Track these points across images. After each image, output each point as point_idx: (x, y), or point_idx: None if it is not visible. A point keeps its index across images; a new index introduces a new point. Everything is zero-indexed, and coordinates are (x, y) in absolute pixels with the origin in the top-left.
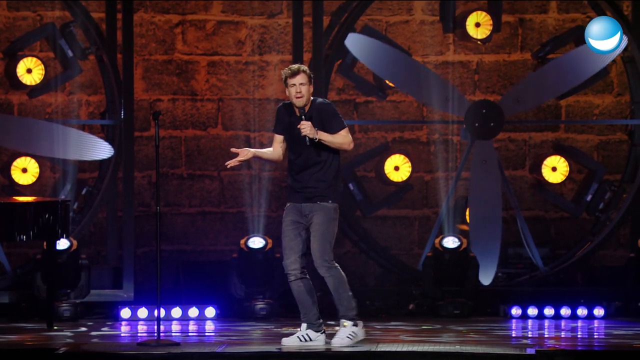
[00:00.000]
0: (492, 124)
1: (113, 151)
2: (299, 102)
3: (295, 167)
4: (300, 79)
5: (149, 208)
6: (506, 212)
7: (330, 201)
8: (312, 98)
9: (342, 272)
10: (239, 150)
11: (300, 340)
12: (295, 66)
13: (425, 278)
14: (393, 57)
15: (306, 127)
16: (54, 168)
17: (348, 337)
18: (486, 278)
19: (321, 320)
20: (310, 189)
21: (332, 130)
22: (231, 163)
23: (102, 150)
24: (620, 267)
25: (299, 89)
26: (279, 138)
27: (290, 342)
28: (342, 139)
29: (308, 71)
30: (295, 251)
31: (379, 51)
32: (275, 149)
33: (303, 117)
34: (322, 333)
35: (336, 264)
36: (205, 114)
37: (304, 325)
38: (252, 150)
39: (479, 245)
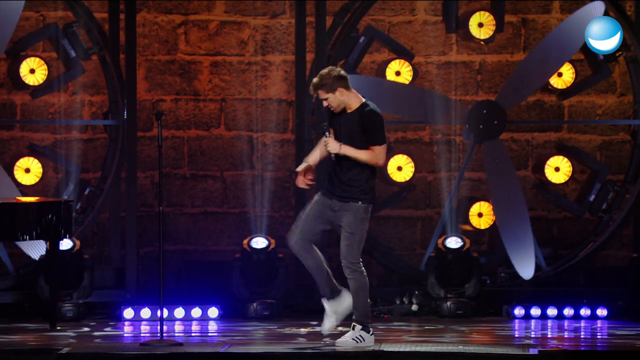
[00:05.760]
0: (494, 124)
1: None
2: (335, 112)
3: (331, 164)
4: (321, 95)
5: (151, 208)
6: None
7: (360, 202)
8: (364, 101)
9: (366, 278)
10: (301, 168)
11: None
12: (311, 86)
13: (428, 278)
14: (391, 90)
15: (328, 144)
16: (57, 168)
17: (354, 339)
18: (527, 272)
19: (339, 288)
20: (341, 188)
21: (369, 142)
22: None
23: None
24: (623, 267)
25: (325, 104)
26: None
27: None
28: (368, 156)
29: (324, 80)
30: (299, 226)
31: (375, 88)
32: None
33: (326, 134)
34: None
35: (361, 268)
36: (208, 114)
37: (324, 302)
38: (310, 160)
39: (512, 243)
